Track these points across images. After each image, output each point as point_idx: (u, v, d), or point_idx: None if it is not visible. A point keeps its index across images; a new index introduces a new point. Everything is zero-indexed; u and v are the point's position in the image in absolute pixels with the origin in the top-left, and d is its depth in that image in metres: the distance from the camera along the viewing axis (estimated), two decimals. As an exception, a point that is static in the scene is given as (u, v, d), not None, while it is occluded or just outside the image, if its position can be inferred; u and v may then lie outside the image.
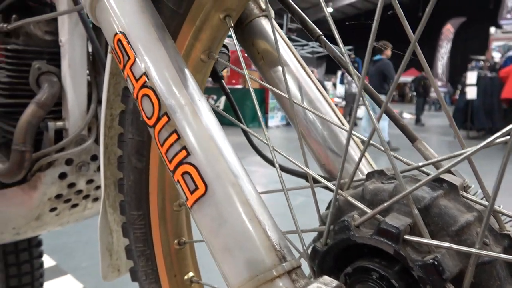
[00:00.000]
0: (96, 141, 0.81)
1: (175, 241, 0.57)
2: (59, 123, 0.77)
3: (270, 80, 0.50)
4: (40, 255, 1.27)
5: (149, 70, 0.34)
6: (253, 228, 0.29)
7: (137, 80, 0.35)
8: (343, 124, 0.46)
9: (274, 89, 0.44)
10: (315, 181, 0.40)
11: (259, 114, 0.41)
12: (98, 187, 0.87)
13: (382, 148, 0.34)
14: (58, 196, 0.81)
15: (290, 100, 0.40)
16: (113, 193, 0.62)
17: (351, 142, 0.47)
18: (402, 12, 0.29)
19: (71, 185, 0.81)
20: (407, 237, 0.28)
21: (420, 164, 0.33)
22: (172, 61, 0.35)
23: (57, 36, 0.78)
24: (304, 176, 0.44)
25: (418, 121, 10.19)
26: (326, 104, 0.48)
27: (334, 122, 0.44)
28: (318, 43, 0.45)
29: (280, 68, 0.50)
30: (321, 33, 0.45)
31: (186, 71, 0.36)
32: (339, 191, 0.35)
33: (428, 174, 0.33)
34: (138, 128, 0.53)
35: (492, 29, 10.42)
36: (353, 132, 0.45)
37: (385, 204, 0.29)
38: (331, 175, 0.46)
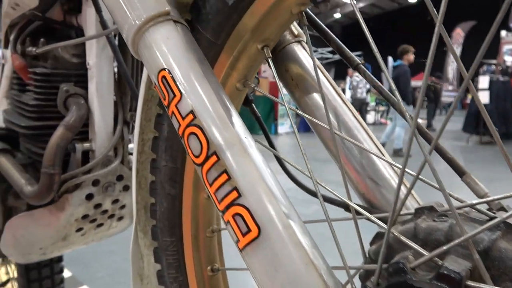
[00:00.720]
0: (122, 161, 0.81)
1: (208, 268, 0.57)
2: (86, 145, 0.78)
3: (305, 107, 0.50)
4: (61, 270, 1.27)
5: (196, 108, 0.34)
6: (310, 274, 0.28)
7: (183, 118, 0.35)
8: (382, 154, 0.46)
9: (314, 120, 0.43)
10: (358, 212, 0.39)
11: (299, 144, 0.41)
12: (123, 207, 0.88)
13: (434, 184, 0.33)
14: (85, 217, 0.82)
15: (331, 130, 0.39)
16: (143, 218, 0.62)
17: (391, 171, 0.46)
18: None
19: (97, 206, 0.82)
20: (469, 283, 0.27)
21: (475, 202, 0.32)
22: (218, 98, 0.35)
23: (84, 58, 0.79)
24: (344, 206, 0.44)
25: (429, 126, 10.10)
26: (363, 132, 0.47)
27: (374, 153, 0.43)
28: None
29: (315, 95, 0.49)
30: (359, 61, 0.44)
31: (231, 107, 0.36)
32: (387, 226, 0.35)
33: (482, 212, 0.32)
34: (172, 155, 0.53)
35: (503, 33, 10.31)
36: (391, 162, 0.44)
37: (445, 248, 0.29)
38: (371, 205, 0.45)
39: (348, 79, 11.18)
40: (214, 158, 0.33)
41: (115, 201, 0.84)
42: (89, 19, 0.73)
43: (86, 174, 0.77)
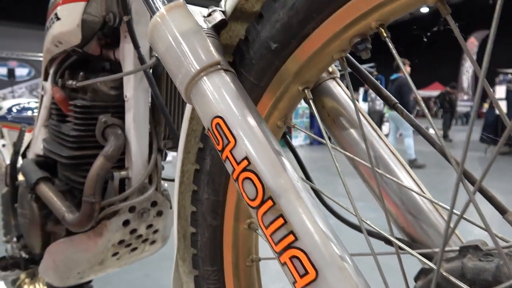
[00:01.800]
0: (156, 188, 0.84)
1: (248, 296, 0.58)
2: (123, 172, 0.81)
3: (343, 143, 0.52)
4: (90, 290, 1.30)
5: (250, 155, 0.37)
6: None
7: (238, 163, 0.37)
8: (421, 189, 0.47)
9: (356, 158, 0.46)
10: (400, 247, 0.41)
11: (342, 179, 0.43)
12: (156, 231, 0.90)
13: (479, 224, 0.34)
14: (121, 242, 0.85)
15: (373, 170, 0.41)
16: (182, 246, 0.65)
17: (429, 204, 0.47)
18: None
19: (133, 231, 0.85)
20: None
21: (520, 242, 0.33)
22: (269, 143, 0.38)
23: (121, 90, 0.83)
24: (386, 240, 0.45)
25: (445, 136, 9.97)
26: (401, 167, 0.49)
27: (414, 190, 0.45)
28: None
29: (352, 131, 0.51)
30: (396, 101, 0.46)
31: (281, 151, 0.38)
32: (431, 263, 0.36)
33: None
34: (214, 189, 0.55)
35: (519, 41, 10.18)
36: (434, 200, 0.46)
37: (496, 291, 0.30)
38: (412, 239, 0.47)
39: (361, 89, 11.17)
40: (269, 203, 0.35)
41: (149, 226, 0.87)
42: (127, 54, 0.77)
43: (124, 201, 0.80)
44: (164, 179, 0.89)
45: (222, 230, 0.57)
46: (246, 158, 0.37)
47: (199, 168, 0.58)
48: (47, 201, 0.83)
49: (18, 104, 1.44)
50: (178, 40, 0.42)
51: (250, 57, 0.47)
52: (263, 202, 0.35)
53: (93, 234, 0.81)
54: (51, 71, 0.91)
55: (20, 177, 1.05)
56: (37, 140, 0.99)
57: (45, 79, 0.94)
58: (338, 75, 0.57)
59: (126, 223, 0.82)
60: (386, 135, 11.25)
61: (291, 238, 0.33)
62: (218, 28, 0.46)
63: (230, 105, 0.39)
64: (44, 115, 0.96)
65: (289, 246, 0.33)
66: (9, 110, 1.41)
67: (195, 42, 0.42)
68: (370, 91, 9.41)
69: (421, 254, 0.39)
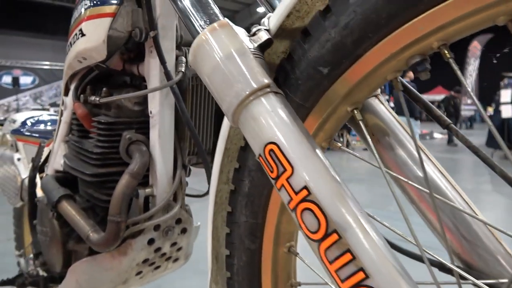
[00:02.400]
0: (181, 206, 0.82)
1: (288, 322, 0.56)
2: (148, 190, 0.79)
3: (389, 164, 0.50)
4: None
5: (310, 184, 0.35)
6: None
7: (296, 193, 0.35)
8: (473, 211, 0.45)
9: (414, 184, 0.43)
10: (462, 276, 0.39)
11: (401, 209, 0.41)
12: (179, 249, 0.88)
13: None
14: (145, 261, 0.83)
15: (431, 195, 0.39)
16: (215, 267, 0.63)
17: (484, 228, 0.45)
18: None
19: (158, 249, 0.83)
20: None
21: None
22: (328, 172, 0.36)
23: (145, 106, 0.81)
24: (443, 268, 0.43)
25: (450, 141, 9.92)
26: (450, 187, 0.47)
27: (468, 213, 0.43)
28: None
29: (400, 151, 0.49)
30: (450, 121, 0.44)
31: (340, 181, 0.36)
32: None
33: None
34: (253, 211, 0.54)
35: (524, 45, 10.16)
36: (488, 223, 0.44)
37: None
38: (468, 265, 0.45)
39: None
40: (334, 236, 0.33)
41: (173, 244, 0.85)
42: (152, 70, 0.75)
43: (149, 219, 0.78)
44: (188, 195, 0.87)
45: (260, 254, 0.55)
46: (305, 187, 0.35)
47: (235, 189, 0.56)
48: (70, 219, 0.81)
49: (33, 117, 1.42)
50: (224, 62, 0.41)
51: (295, 77, 0.45)
52: (326, 235, 0.33)
53: (117, 253, 0.79)
54: (72, 87, 0.89)
55: (39, 193, 1.04)
56: (56, 156, 0.98)
57: (66, 94, 0.93)
58: (379, 92, 0.55)
59: (151, 241, 0.80)
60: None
61: (361, 275, 0.31)
62: (263, 48, 0.44)
63: (285, 130, 0.37)
64: (64, 131, 0.94)
65: (359, 284, 0.31)
66: (24, 123, 1.39)
67: (243, 63, 0.40)
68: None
69: (486, 285, 0.37)
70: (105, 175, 0.79)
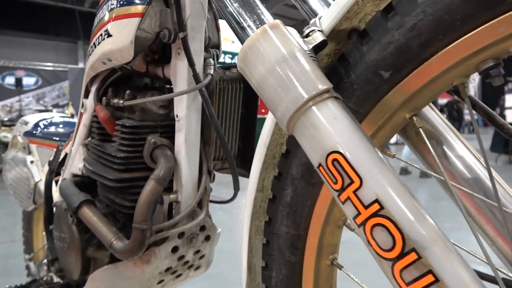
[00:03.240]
0: (206, 213, 0.80)
1: None
2: (173, 196, 0.76)
3: (437, 167, 0.47)
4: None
5: (383, 198, 0.32)
6: None
7: (365, 207, 0.33)
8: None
9: (481, 197, 0.41)
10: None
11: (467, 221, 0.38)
12: (202, 257, 0.86)
13: None
14: (168, 269, 0.80)
15: (500, 209, 0.36)
16: (248, 279, 0.60)
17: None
18: None
19: (181, 258, 0.80)
20: None
21: None
22: (400, 184, 0.33)
23: (170, 109, 0.79)
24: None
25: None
26: (501, 189, 0.44)
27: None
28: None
29: (455, 159, 0.47)
30: (515, 130, 0.42)
31: (411, 193, 0.33)
32: None
33: None
34: (295, 222, 0.51)
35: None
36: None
37: None
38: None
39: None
40: (413, 256, 0.30)
41: (197, 252, 0.82)
42: (180, 72, 0.72)
43: (173, 226, 0.76)
44: (212, 202, 0.84)
45: (301, 267, 0.52)
46: (376, 201, 0.32)
47: (275, 198, 0.53)
48: (91, 226, 0.78)
49: (45, 119, 1.40)
50: (280, 65, 0.38)
51: (350, 81, 0.42)
52: (403, 254, 0.31)
53: (140, 261, 0.77)
54: (93, 89, 0.87)
55: (55, 197, 1.01)
56: (74, 159, 0.95)
57: (86, 96, 0.90)
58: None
59: (174, 249, 0.78)
60: (394, 143, 11.17)
61: (446, 299, 0.28)
62: (317, 50, 0.42)
63: (350, 139, 0.35)
64: (83, 134, 0.92)
65: (443, 309, 0.28)
66: (36, 125, 1.37)
67: (301, 67, 0.38)
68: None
69: None
70: (128, 180, 0.77)
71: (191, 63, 0.70)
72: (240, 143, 0.85)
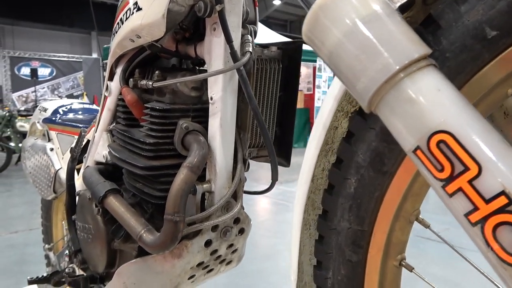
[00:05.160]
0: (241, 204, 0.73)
1: None
2: (206, 186, 0.70)
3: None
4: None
5: (511, 190, 0.25)
6: None
7: (486, 201, 0.26)
8: None
9: None
10: None
11: None
12: (235, 251, 0.80)
13: None
14: (200, 264, 0.74)
15: None
16: (295, 276, 0.54)
17: None
18: None
19: (214, 252, 0.74)
20: None
21: None
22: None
23: (202, 91, 0.72)
24: None
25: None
26: None
27: None
28: None
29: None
30: None
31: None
32: None
33: None
34: (360, 216, 0.44)
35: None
36: None
37: None
38: None
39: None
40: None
41: (230, 246, 0.77)
42: (215, 50, 0.66)
43: (206, 219, 0.70)
44: (247, 193, 0.78)
45: (364, 267, 0.46)
46: (503, 194, 0.25)
47: (332, 188, 0.46)
48: (118, 217, 0.73)
49: (64, 106, 1.35)
50: (363, 28, 0.31)
51: (441, 49, 0.35)
52: (544, 262, 0.24)
53: (170, 255, 0.71)
54: (119, 70, 0.81)
55: (77, 185, 0.97)
56: (97, 146, 0.90)
57: (110, 78, 0.85)
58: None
59: (208, 243, 0.72)
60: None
61: None
62: (403, 10, 0.35)
63: (462, 115, 0.28)
64: (107, 119, 0.86)
65: None
66: (55, 111, 1.32)
67: (390, 28, 0.31)
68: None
69: None
70: (158, 168, 0.71)
71: (228, 40, 0.63)
72: (277, 129, 0.79)
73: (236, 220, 0.75)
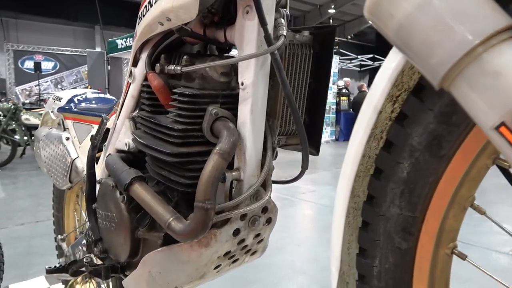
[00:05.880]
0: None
1: None
2: (235, 174, 0.69)
3: None
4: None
5: None
6: None
7: None
8: None
9: None
10: None
11: None
12: (261, 241, 0.78)
13: None
14: (226, 254, 0.73)
15: None
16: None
17: None
18: None
19: (241, 241, 0.73)
20: None
21: None
22: None
23: (231, 77, 0.71)
24: None
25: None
26: None
27: None
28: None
29: None
30: None
31: None
32: None
33: None
34: (412, 202, 0.43)
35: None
36: None
37: None
38: None
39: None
40: None
41: (257, 235, 0.75)
42: (248, 34, 0.64)
43: (235, 207, 0.68)
44: (275, 182, 0.77)
45: (414, 255, 0.44)
46: None
47: (380, 173, 0.45)
48: (144, 204, 0.71)
49: (79, 95, 1.34)
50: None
51: None
52: None
53: (197, 244, 0.70)
54: (144, 55, 0.79)
55: (98, 174, 0.95)
56: (118, 134, 0.88)
57: (134, 64, 0.83)
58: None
59: (236, 232, 0.70)
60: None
61: None
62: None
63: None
64: (130, 106, 0.85)
65: None
66: (71, 100, 1.31)
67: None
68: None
69: None
70: (187, 155, 0.69)
71: (263, 22, 0.61)
72: (306, 117, 0.77)
73: (264, 209, 0.73)
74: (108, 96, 1.43)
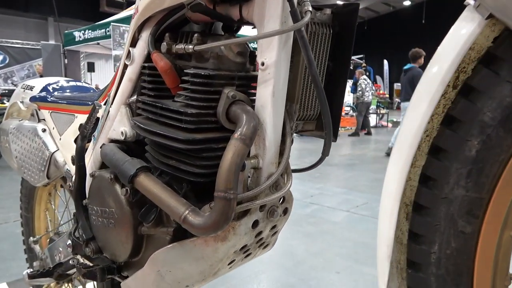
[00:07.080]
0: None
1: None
2: (253, 161, 0.64)
3: None
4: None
5: None
6: None
7: None
8: None
9: None
10: None
11: None
12: (275, 233, 0.74)
13: None
14: (243, 247, 0.68)
15: None
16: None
17: None
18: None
19: (258, 234, 0.68)
20: None
21: None
22: None
23: (246, 58, 0.66)
24: None
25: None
26: None
27: None
28: None
29: None
30: None
31: None
32: None
33: None
34: (479, 182, 0.40)
35: None
36: None
37: None
38: None
39: (350, 82, 11.13)
40: None
41: (273, 227, 0.71)
42: (271, 10, 0.59)
43: (255, 198, 0.63)
44: (295, 171, 0.72)
45: (477, 239, 0.42)
46: None
47: (442, 152, 0.42)
48: (154, 197, 0.65)
49: (54, 83, 1.22)
50: None
51: None
52: None
53: (212, 238, 0.64)
54: (145, 34, 0.72)
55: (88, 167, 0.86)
56: (113, 122, 0.80)
57: (133, 45, 0.75)
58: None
59: (255, 224, 0.66)
60: (373, 126, 11.21)
61: None
62: None
63: None
64: (127, 90, 0.77)
65: None
66: (45, 89, 1.19)
67: None
68: (359, 82, 9.37)
69: None
70: (201, 141, 0.63)
71: (289, -3, 0.56)
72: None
73: (281, 199, 0.69)
74: (84, 84, 1.32)
